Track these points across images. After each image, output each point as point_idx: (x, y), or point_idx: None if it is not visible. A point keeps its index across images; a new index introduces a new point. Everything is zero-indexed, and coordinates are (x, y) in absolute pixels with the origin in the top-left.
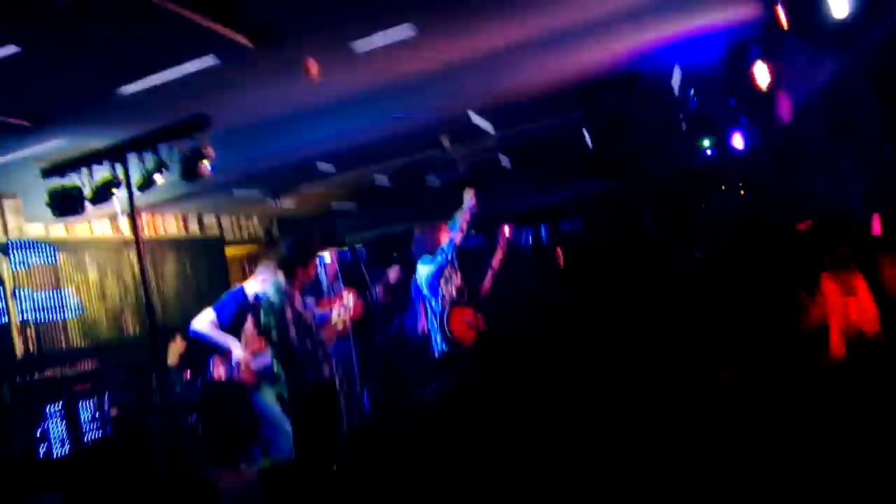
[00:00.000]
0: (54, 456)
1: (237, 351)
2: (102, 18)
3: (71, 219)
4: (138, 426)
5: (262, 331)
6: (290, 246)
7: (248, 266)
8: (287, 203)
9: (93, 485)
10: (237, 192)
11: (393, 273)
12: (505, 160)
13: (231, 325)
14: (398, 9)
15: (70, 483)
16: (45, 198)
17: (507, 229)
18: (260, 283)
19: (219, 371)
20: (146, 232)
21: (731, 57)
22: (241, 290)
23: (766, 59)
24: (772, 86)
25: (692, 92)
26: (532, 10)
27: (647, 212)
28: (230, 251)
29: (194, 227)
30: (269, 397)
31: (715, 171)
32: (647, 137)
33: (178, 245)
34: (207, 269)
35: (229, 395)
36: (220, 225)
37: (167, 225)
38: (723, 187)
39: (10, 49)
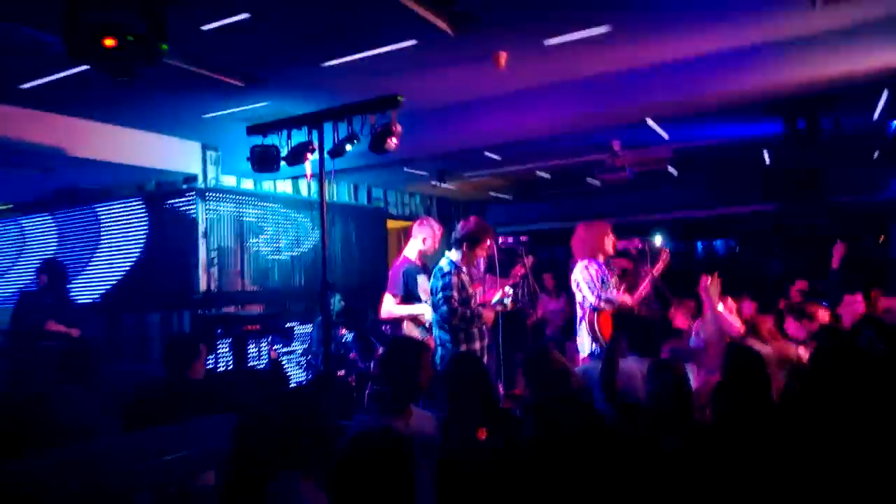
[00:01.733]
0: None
1: (427, 313)
2: None
3: (265, 175)
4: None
5: (432, 297)
6: (469, 225)
7: (405, 239)
8: (449, 186)
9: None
10: (407, 169)
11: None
12: (673, 169)
13: (405, 293)
14: (597, 11)
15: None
16: (247, 153)
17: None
18: (418, 251)
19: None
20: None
21: None
22: (404, 259)
23: None
24: None
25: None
26: (732, 22)
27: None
28: (391, 224)
29: (363, 197)
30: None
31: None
32: (835, 161)
33: (347, 211)
34: (370, 236)
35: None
36: (385, 199)
37: (339, 192)
38: None
39: (242, 16)
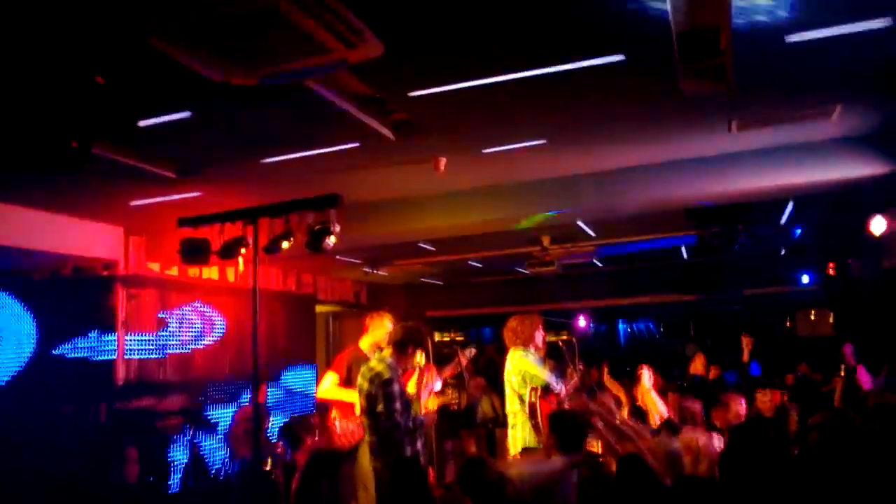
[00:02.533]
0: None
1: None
2: (268, 100)
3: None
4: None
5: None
6: (408, 330)
7: (332, 323)
8: (381, 272)
9: None
10: (339, 257)
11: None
12: (598, 262)
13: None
14: (533, 126)
15: None
16: (175, 241)
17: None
18: (371, 345)
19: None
20: (248, 282)
21: (844, 202)
22: (357, 349)
23: (885, 212)
24: (885, 234)
25: (797, 225)
26: (656, 142)
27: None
28: (319, 308)
29: (291, 283)
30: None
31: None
32: (746, 260)
33: (275, 297)
34: (298, 322)
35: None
36: (315, 284)
37: (269, 278)
38: (812, 315)
39: (184, 114)
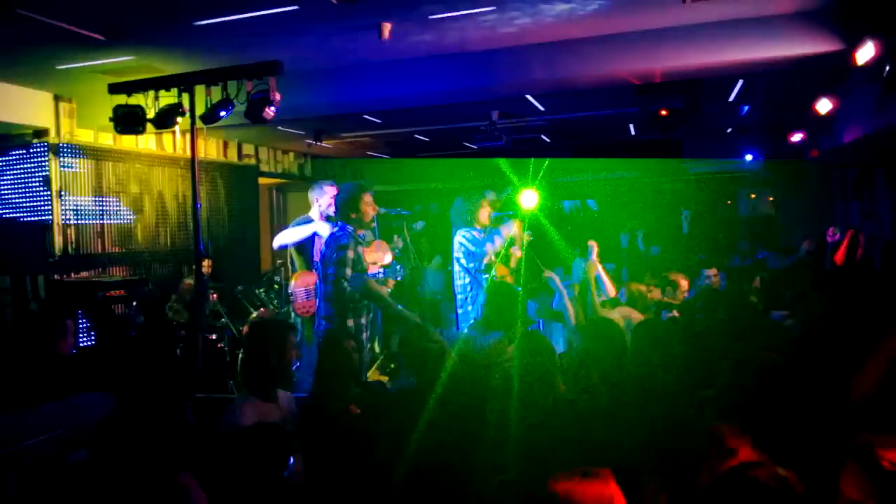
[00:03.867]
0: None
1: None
2: None
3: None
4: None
5: (323, 265)
6: (348, 190)
7: (276, 196)
8: (325, 144)
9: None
10: (281, 128)
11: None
12: (546, 137)
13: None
14: None
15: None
16: (110, 112)
17: None
18: (320, 217)
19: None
20: (185, 151)
21: (793, 80)
22: (309, 218)
23: (831, 93)
24: (830, 114)
25: (745, 103)
26: (610, 12)
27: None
28: (262, 181)
29: (233, 154)
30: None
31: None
32: (692, 135)
33: (215, 168)
34: (240, 194)
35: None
36: (257, 155)
37: (208, 148)
38: (752, 195)
39: None
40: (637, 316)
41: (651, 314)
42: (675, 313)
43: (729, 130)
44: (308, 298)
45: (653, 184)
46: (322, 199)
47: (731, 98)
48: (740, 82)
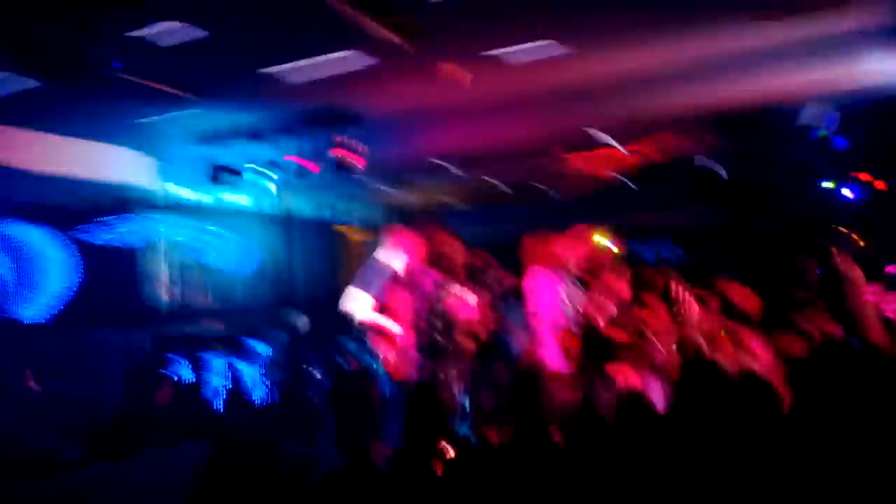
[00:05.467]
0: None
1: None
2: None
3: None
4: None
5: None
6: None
7: (364, 251)
8: (407, 195)
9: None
10: (362, 178)
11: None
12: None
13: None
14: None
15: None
16: (204, 167)
17: None
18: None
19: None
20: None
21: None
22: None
23: None
24: None
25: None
26: (687, 40)
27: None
28: (352, 236)
29: (325, 211)
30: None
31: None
32: (779, 175)
33: (310, 225)
34: (330, 249)
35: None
36: (347, 211)
37: (302, 205)
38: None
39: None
40: None
41: None
42: None
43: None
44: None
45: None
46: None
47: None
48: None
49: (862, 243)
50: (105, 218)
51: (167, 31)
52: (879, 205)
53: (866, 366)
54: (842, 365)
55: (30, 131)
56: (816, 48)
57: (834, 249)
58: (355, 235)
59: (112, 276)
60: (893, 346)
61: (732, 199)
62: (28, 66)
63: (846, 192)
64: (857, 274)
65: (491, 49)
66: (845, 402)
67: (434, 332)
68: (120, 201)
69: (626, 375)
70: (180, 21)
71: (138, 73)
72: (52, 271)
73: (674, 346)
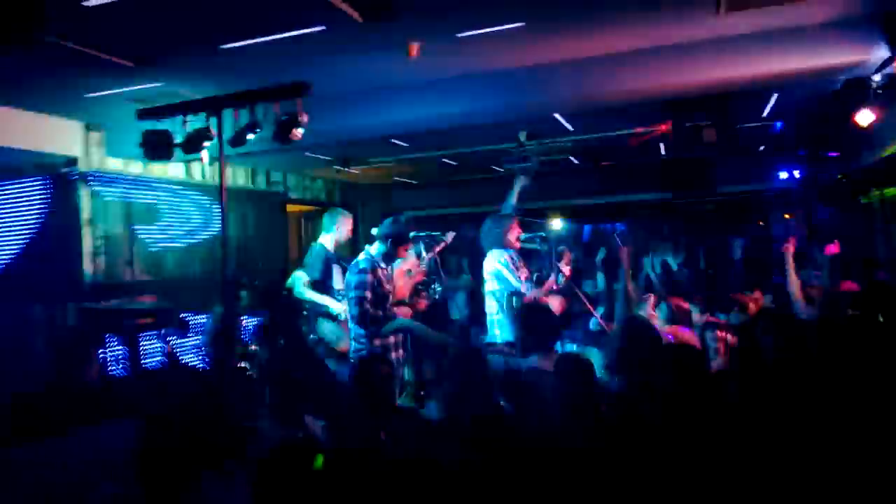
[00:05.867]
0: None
1: (339, 307)
2: None
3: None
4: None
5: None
6: (397, 225)
7: (305, 223)
8: (353, 170)
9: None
10: (308, 153)
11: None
12: (574, 158)
13: (321, 279)
14: (513, 8)
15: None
16: (135, 135)
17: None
18: (333, 241)
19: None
20: (214, 178)
21: (832, 92)
22: (324, 247)
23: (873, 103)
24: (872, 126)
25: (779, 119)
26: (640, 24)
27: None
28: (290, 208)
29: (261, 182)
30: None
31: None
32: (724, 154)
33: (244, 196)
34: (268, 221)
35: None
36: (285, 183)
37: (237, 176)
38: (786, 216)
39: None
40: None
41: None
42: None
43: (762, 148)
44: None
45: (683, 205)
46: (342, 227)
47: (765, 114)
48: (774, 97)
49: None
50: (29, 186)
51: None
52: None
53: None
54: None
55: None
56: (778, 37)
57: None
58: (295, 207)
59: (37, 248)
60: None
61: (682, 180)
62: None
63: (782, 174)
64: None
65: (451, 30)
66: None
67: (369, 305)
68: (47, 169)
69: None
70: None
71: (75, 40)
72: None
73: None
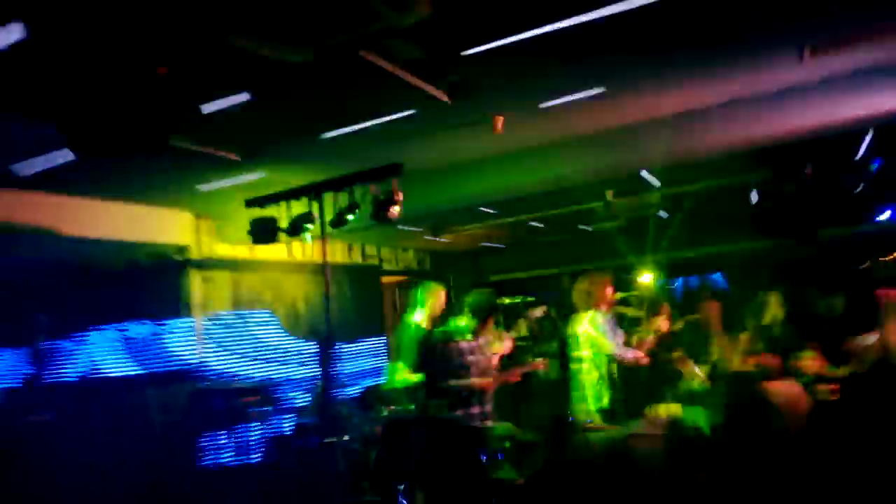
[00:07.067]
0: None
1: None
2: (323, 76)
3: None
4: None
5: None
6: (484, 296)
7: (399, 293)
8: (443, 239)
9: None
10: (401, 227)
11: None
12: (663, 212)
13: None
14: (591, 75)
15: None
16: (246, 225)
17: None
18: (429, 319)
19: None
20: (314, 257)
21: None
22: (418, 328)
23: None
24: None
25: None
26: (721, 78)
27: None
28: (385, 279)
29: (357, 256)
30: None
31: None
32: (820, 198)
33: (341, 270)
34: (365, 294)
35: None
36: (379, 255)
37: (335, 252)
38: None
39: (243, 97)
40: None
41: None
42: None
43: (859, 189)
44: None
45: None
46: (434, 301)
47: (860, 153)
48: (870, 134)
49: None
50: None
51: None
52: None
53: None
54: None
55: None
56: (861, 79)
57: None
58: (389, 278)
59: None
60: None
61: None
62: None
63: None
64: None
65: (535, 102)
66: None
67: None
68: (160, 258)
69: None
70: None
71: (192, 140)
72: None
73: None
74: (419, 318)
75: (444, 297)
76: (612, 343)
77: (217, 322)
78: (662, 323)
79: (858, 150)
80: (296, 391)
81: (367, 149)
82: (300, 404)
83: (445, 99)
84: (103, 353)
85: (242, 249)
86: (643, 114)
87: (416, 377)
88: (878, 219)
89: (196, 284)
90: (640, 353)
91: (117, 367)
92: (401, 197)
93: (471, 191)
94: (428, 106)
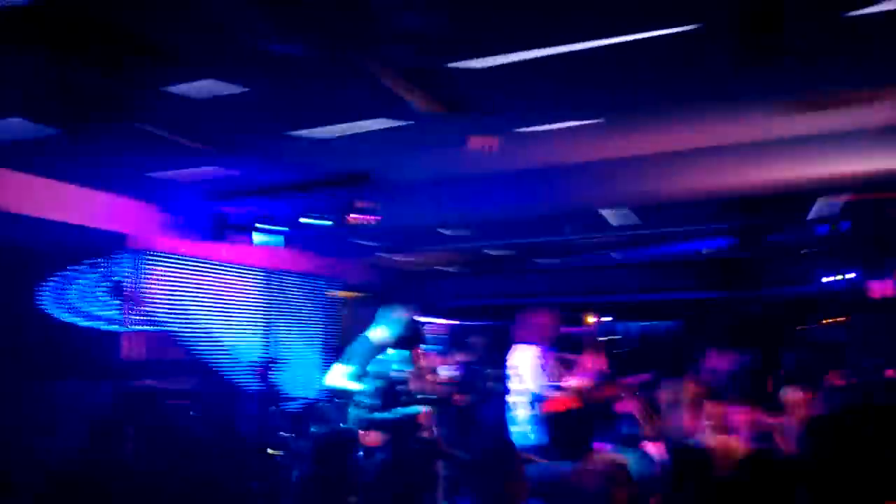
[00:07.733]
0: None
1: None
2: (313, 72)
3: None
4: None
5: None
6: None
7: (343, 308)
8: (397, 258)
9: None
10: (355, 240)
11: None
12: (614, 255)
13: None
14: (594, 105)
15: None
16: (198, 219)
17: None
18: (389, 338)
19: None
20: (260, 260)
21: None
22: (367, 339)
23: None
24: None
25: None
26: (708, 123)
27: None
28: (331, 293)
29: (303, 265)
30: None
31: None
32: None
33: (289, 278)
34: (313, 305)
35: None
36: (328, 267)
37: (281, 258)
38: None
39: (236, 88)
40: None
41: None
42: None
43: (804, 252)
44: None
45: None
46: (394, 324)
47: (810, 216)
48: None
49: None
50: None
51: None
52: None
53: None
54: None
55: (32, 176)
56: (841, 138)
57: None
58: (343, 293)
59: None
60: None
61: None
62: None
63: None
64: None
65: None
66: None
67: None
68: (99, 245)
69: None
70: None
71: (161, 125)
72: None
73: None
74: (379, 335)
75: (407, 319)
76: (535, 381)
77: (154, 318)
78: (596, 363)
79: (809, 211)
80: (231, 399)
81: (333, 154)
82: (234, 412)
83: (440, 110)
84: None
85: (189, 244)
86: (625, 150)
87: (353, 385)
88: (822, 280)
89: (136, 275)
90: (567, 397)
91: None
92: (365, 205)
93: (435, 211)
94: (412, 116)
